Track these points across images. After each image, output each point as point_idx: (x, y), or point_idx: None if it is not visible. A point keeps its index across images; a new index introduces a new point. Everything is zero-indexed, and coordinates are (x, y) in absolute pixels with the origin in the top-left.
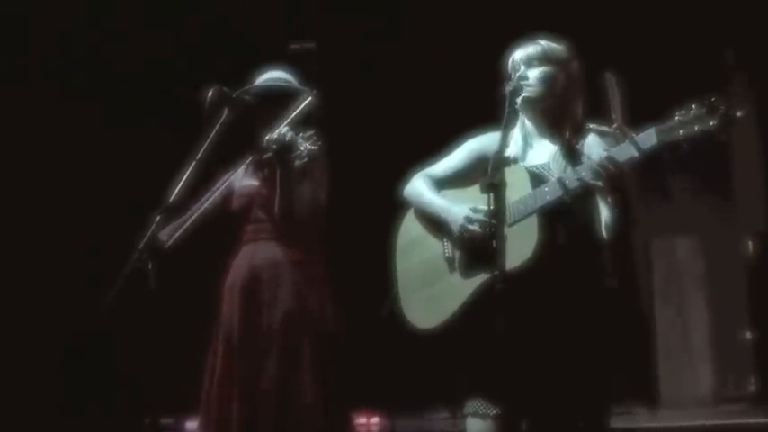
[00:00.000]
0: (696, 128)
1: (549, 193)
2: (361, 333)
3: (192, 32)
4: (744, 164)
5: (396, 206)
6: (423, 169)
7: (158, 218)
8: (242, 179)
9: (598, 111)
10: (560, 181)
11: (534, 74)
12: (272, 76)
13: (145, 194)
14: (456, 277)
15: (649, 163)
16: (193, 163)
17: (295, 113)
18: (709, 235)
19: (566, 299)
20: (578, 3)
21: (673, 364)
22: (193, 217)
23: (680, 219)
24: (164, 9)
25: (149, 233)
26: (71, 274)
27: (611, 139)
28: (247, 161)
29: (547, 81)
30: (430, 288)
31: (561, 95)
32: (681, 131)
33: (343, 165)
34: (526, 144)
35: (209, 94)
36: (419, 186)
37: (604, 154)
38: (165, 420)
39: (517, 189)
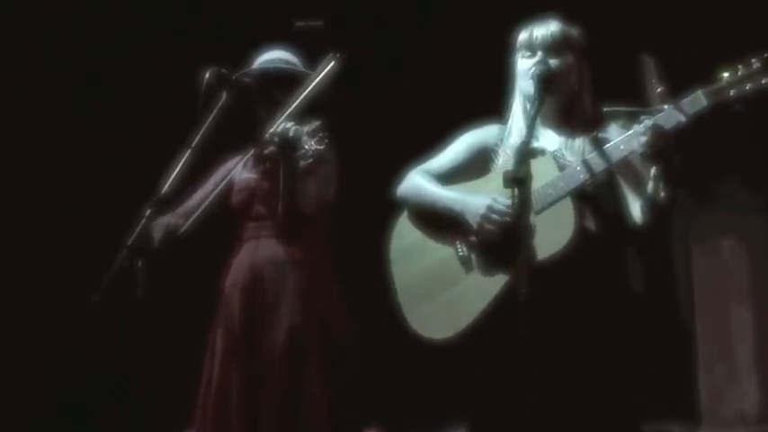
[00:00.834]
0: (748, 86)
1: (581, 172)
2: (368, 342)
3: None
4: None
5: (388, 206)
6: (417, 166)
7: (149, 212)
8: (242, 171)
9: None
10: (585, 163)
11: (557, 62)
12: (274, 56)
13: (134, 185)
14: (474, 278)
15: (692, 165)
16: (188, 151)
17: (317, 80)
18: (755, 241)
19: (595, 298)
20: None
21: (715, 379)
22: (197, 212)
23: (723, 224)
24: None
25: (139, 228)
26: (52, 274)
27: (630, 123)
28: (249, 153)
29: (569, 71)
30: (443, 294)
31: (576, 87)
32: (731, 91)
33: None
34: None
35: (206, 75)
36: (419, 182)
37: (648, 122)
38: None
39: (542, 179)
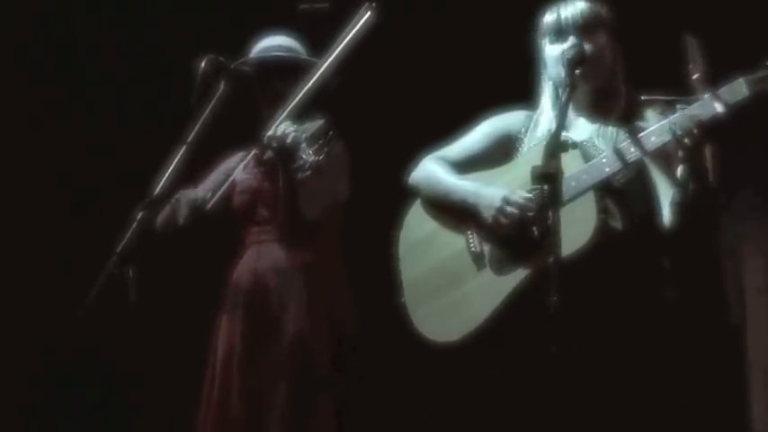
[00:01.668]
0: None
1: (608, 164)
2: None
3: None
4: None
5: (401, 196)
6: (433, 152)
7: (140, 214)
8: (243, 171)
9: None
10: (618, 152)
11: (590, 44)
12: (275, 43)
13: (124, 185)
14: (486, 276)
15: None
16: (183, 148)
17: (350, 35)
18: None
19: (620, 306)
20: None
21: None
22: (223, 187)
23: None
24: None
25: (130, 233)
26: (38, 283)
27: (669, 112)
28: (250, 153)
29: (603, 53)
30: (451, 292)
31: (610, 69)
32: None
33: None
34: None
35: (202, 64)
36: (433, 170)
37: (685, 111)
38: None
39: (567, 172)
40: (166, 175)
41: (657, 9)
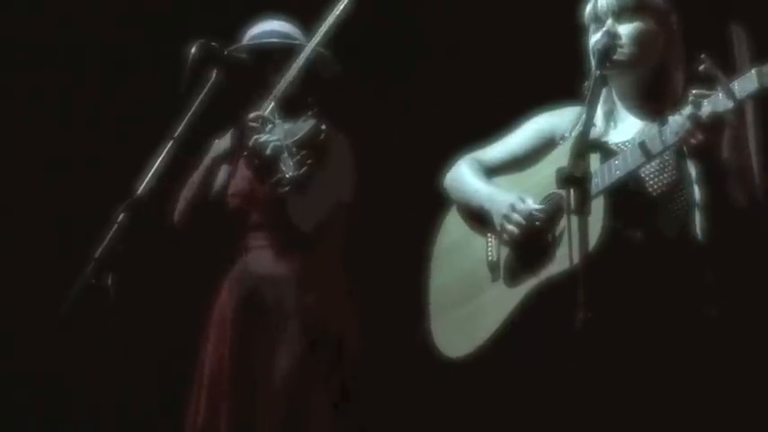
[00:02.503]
0: None
1: (620, 167)
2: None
3: None
4: None
5: (437, 201)
6: (472, 152)
7: (122, 216)
8: (234, 169)
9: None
10: (642, 146)
11: (627, 29)
12: (268, 28)
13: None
14: (498, 288)
15: None
16: (170, 143)
17: (339, 10)
18: None
19: (653, 321)
20: None
21: None
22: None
23: None
24: None
25: (109, 237)
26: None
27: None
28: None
29: (643, 39)
30: (466, 304)
31: (659, 59)
32: None
33: (363, 146)
34: (608, 122)
35: (193, 51)
36: (462, 172)
37: (689, 110)
38: None
39: None
40: (152, 172)
41: None
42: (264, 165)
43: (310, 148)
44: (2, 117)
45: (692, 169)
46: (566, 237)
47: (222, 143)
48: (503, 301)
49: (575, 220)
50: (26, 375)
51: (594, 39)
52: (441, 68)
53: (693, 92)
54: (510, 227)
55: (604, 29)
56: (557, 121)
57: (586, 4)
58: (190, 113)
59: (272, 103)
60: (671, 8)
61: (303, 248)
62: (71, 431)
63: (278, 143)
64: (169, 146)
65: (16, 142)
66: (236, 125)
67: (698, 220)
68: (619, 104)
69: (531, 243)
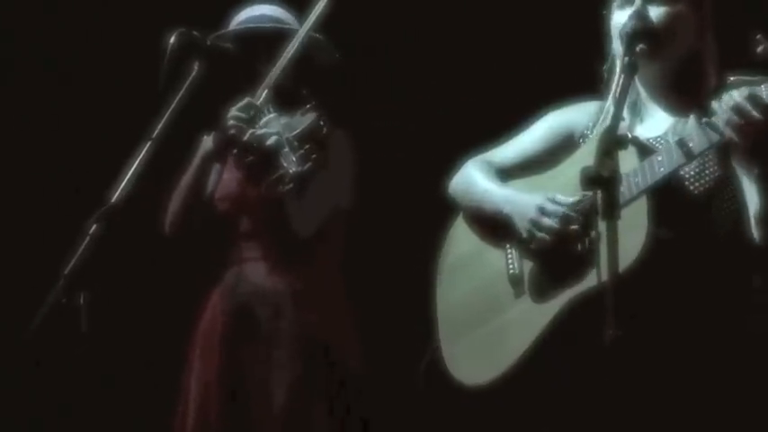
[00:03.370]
0: None
1: (664, 163)
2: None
3: None
4: None
5: (443, 208)
6: (480, 154)
7: (94, 227)
8: (221, 171)
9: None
10: (681, 144)
11: (657, 12)
12: (257, 12)
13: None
14: (524, 304)
15: None
16: (148, 144)
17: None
18: None
19: (698, 333)
20: None
21: None
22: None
23: None
24: None
25: (80, 250)
26: None
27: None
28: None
29: (674, 23)
30: (485, 325)
31: (691, 45)
32: None
33: (363, 146)
34: (634, 115)
35: (172, 40)
36: (470, 175)
37: (745, 92)
38: None
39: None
40: (127, 177)
41: None
42: (261, 161)
43: (312, 143)
44: None
45: (738, 164)
46: (602, 245)
47: (212, 139)
48: (530, 319)
49: (611, 225)
50: None
51: (620, 18)
52: (447, 63)
53: (732, 78)
54: (540, 234)
55: (633, 8)
56: (574, 116)
57: None
58: (169, 111)
59: (265, 94)
60: None
61: (300, 261)
62: None
63: (279, 137)
64: (147, 148)
65: None
66: (222, 119)
67: (752, 220)
68: (644, 95)
69: (558, 252)
